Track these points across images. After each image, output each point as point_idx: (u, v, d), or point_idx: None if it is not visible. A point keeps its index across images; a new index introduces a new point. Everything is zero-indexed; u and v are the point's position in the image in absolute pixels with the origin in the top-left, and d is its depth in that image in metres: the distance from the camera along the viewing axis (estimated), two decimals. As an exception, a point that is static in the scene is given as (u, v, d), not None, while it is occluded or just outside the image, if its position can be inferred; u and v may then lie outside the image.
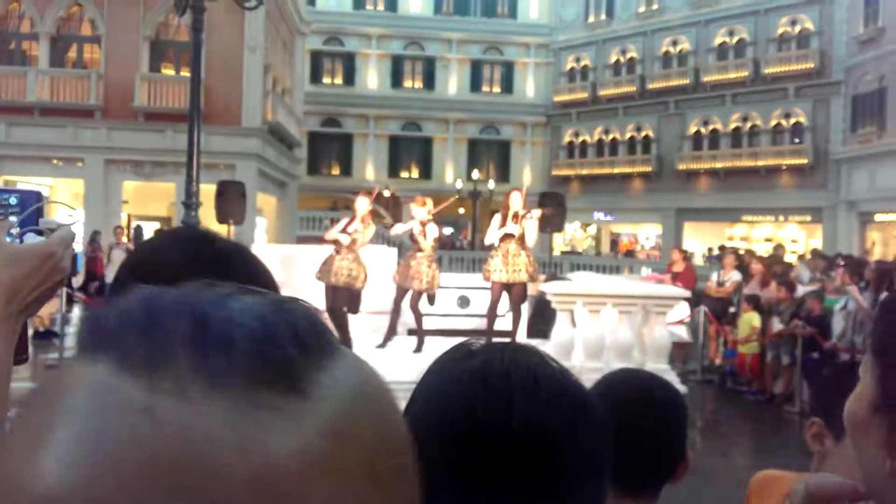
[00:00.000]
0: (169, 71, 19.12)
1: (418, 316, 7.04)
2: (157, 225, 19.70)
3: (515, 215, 6.79)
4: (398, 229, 7.15)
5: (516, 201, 6.83)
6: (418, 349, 6.94)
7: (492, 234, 6.88)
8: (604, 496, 0.64)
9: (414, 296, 6.94)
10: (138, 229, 13.80)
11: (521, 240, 6.78)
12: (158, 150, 17.85)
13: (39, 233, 0.88)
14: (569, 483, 0.58)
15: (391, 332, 7.14)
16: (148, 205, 20.37)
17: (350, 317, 6.88)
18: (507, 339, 0.69)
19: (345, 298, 6.77)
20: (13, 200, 0.91)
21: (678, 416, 1.15)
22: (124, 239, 12.26)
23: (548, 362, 0.63)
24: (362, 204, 6.98)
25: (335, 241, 6.88)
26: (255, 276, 0.83)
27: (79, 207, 19.04)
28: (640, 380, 1.20)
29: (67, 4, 18.16)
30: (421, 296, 7.02)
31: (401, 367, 6.25)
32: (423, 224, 6.89)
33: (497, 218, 6.94)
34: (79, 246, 13.70)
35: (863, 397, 0.53)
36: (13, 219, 0.89)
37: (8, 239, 0.84)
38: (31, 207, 0.90)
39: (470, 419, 0.57)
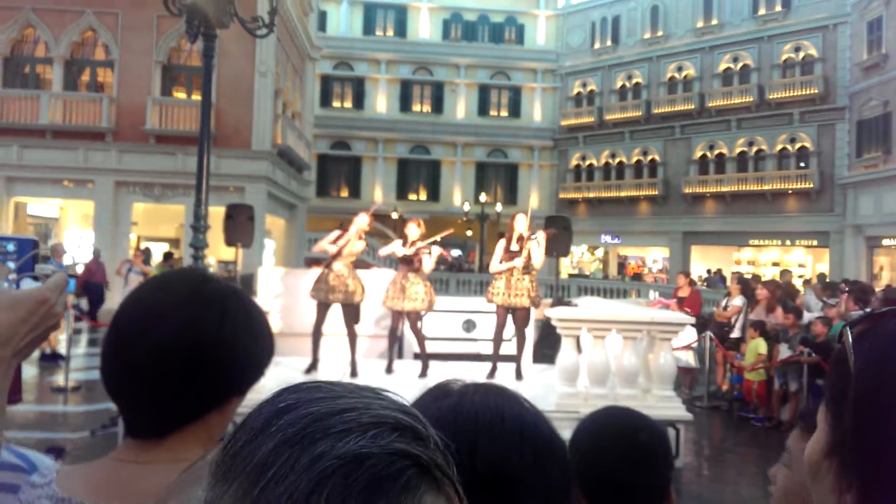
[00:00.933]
0: (180, 95, 19.40)
1: (421, 339, 7.02)
2: (165, 246, 19.86)
3: (521, 238, 6.77)
4: (386, 250, 7.06)
5: (521, 224, 6.84)
6: (423, 374, 6.91)
7: (495, 264, 6.86)
8: None
9: (413, 318, 6.90)
10: (147, 251, 13.92)
11: (526, 264, 6.75)
12: (168, 172, 18.04)
13: (35, 278, 0.92)
14: None
15: (392, 356, 7.09)
16: (157, 226, 20.54)
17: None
18: (487, 380, 0.71)
19: (347, 314, 6.76)
20: (10, 247, 0.95)
21: (662, 457, 1.15)
22: (143, 263, 12.39)
23: (517, 404, 0.65)
24: (361, 220, 6.93)
25: (326, 253, 6.82)
26: (250, 317, 0.85)
27: (88, 228, 19.24)
28: (625, 421, 1.19)
29: (82, 29, 18.52)
30: (419, 317, 7.00)
31: (407, 392, 6.27)
32: (418, 248, 6.80)
33: (502, 243, 6.91)
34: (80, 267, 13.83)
35: (817, 443, 0.56)
36: (10, 265, 0.93)
37: (5, 285, 0.88)
38: (28, 254, 0.94)
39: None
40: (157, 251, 17.43)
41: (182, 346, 0.78)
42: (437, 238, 7.10)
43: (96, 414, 6.87)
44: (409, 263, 6.80)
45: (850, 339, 0.55)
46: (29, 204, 19.71)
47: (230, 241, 8.97)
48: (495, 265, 6.85)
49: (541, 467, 0.60)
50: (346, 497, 0.27)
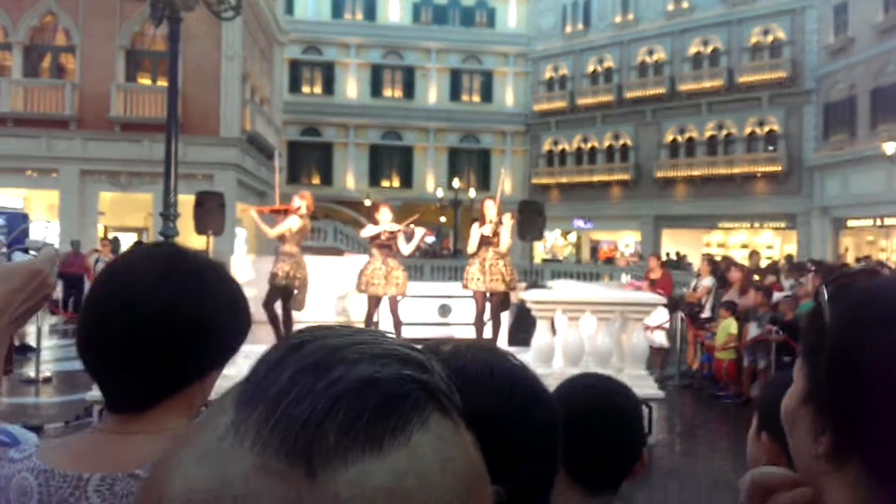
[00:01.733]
0: (145, 81, 18.96)
1: (399, 324, 7.00)
2: (134, 236, 19.49)
3: (492, 223, 6.81)
4: (366, 232, 6.95)
5: (490, 210, 6.86)
6: None
7: (472, 243, 6.88)
8: (552, 480, 0.70)
9: (393, 303, 6.86)
10: (115, 241, 13.63)
11: (499, 247, 6.78)
12: (135, 160, 17.68)
13: (25, 251, 0.93)
14: (520, 464, 0.62)
15: None
16: (125, 216, 20.14)
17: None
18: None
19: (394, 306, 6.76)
20: (1, 221, 0.96)
21: (635, 420, 1.19)
22: (111, 253, 12.14)
23: (506, 360, 0.68)
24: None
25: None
26: (229, 292, 0.86)
27: (54, 219, 18.78)
28: (600, 385, 1.23)
29: (41, 14, 17.95)
30: (397, 302, 6.96)
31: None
32: (403, 230, 6.80)
33: (475, 227, 6.93)
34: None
35: (794, 393, 0.61)
36: (2, 238, 0.93)
37: None
38: (19, 228, 0.95)
39: None
40: (126, 241, 17.08)
41: (163, 320, 0.79)
42: (410, 223, 7.04)
43: (70, 405, 6.74)
44: (387, 248, 6.73)
45: (826, 297, 0.59)
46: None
47: (200, 230, 8.82)
48: (472, 247, 6.88)
49: (528, 412, 0.64)
50: (360, 413, 0.30)
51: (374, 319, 7.02)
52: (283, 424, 0.29)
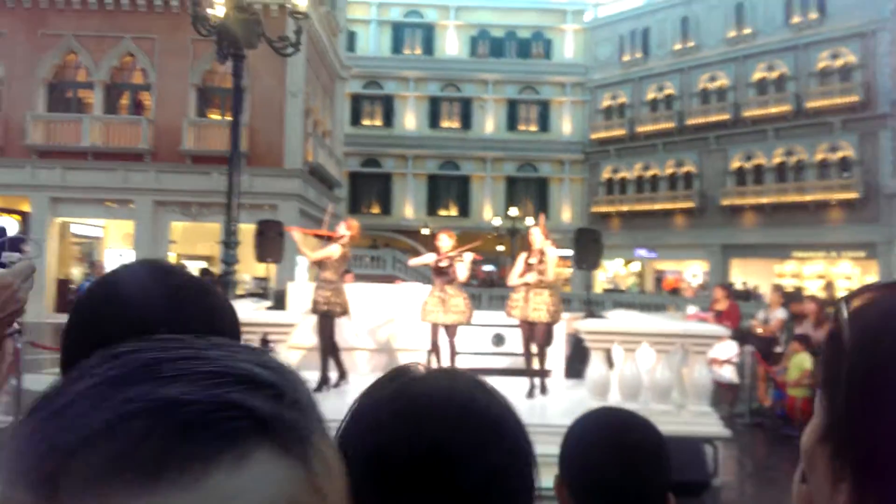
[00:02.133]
0: (215, 116, 19.85)
1: (454, 353, 6.89)
2: (203, 263, 20.22)
3: (539, 252, 6.61)
4: (417, 261, 6.91)
5: (536, 238, 6.66)
6: None
7: (513, 277, 6.73)
8: None
9: (452, 331, 6.70)
10: (181, 267, 14.15)
11: (542, 278, 6.58)
12: (205, 191, 18.42)
13: (2, 265, 0.91)
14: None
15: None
16: (195, 244, 20.95)
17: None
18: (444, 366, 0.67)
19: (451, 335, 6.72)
20: None
21: (654, 459, 1.08)
22: None
23: (476, 387, 0.62)
24: (445, 241, 6.78)
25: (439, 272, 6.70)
26: (214, 309, 0.83)
27: (128, 247, 19.73)
28: (615, 420, 1.11)
29: (121, 54, 19.14)
30: (456, 331, 6.82)
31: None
32: (450, 257, 6.64)
33: (523, 256, 6.78)
34: None
35: (813, 430, 0.52)
36: None
37: None
38: None
39: (376, 438, 0.57)
40: (195, 268, 17.73)
41: (142, 331, 0.74)
42: (464, 251, 6.96)
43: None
44: (444, 275, 6.65)
45: (846, 315, 0.50)
46: (73, 224, 20.30)
47: (261, 257, 9.07)
48: (514, 278, 6.73)
49: (482, 447, 0.57)
50: (143, 440, 0.24)
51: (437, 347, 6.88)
52: (37, 447, 0.24)
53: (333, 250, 6.73)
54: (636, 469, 1.03)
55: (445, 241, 6.72)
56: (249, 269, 16.49)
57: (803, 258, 27.27)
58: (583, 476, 1.04)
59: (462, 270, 6.73)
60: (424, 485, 0.55)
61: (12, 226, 18.17)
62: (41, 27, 18.73)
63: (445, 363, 7.43)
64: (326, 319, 6.61)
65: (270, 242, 9.00)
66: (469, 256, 6.77)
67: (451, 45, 34.12)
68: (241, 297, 9.15)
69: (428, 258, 6.83)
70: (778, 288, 12.07)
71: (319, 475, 0.27)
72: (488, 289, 25.60)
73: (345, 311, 6.71)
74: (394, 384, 0.61)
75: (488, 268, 32.60)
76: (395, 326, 7.90)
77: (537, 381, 6.78)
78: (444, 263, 6.64)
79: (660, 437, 1.10)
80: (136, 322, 0.74)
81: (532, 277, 6.54)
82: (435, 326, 6.68)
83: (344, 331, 7.02)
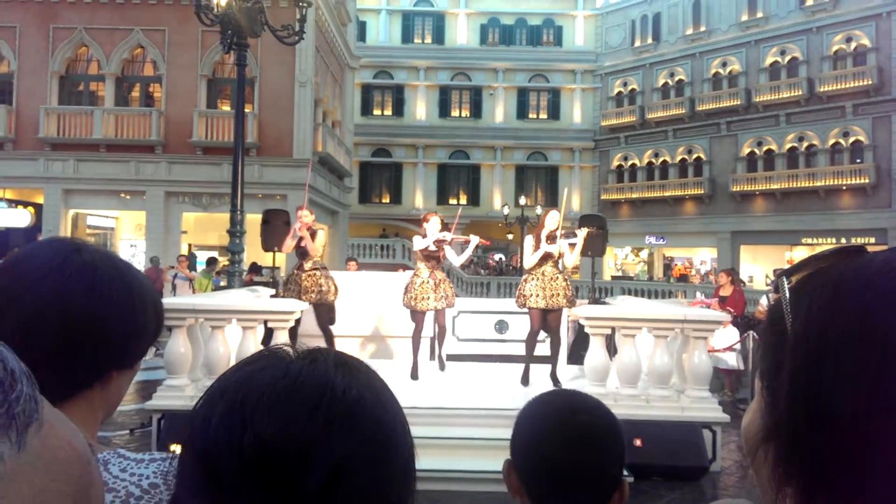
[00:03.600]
0: (225, 107, 19.98)
1: (444, 333, 6.90)
2: (213, 253, 20.45)
3: (550, 236, 6.38)
4: (419, 245, 6.57)
5: (553, 221, 6.41)
6: (442, 368, 6.80)
7: (529, 258, 6.42)
8: None
9: (442, 315, 6.64)
10: (192, 256, 14.32)
11: (557, 263, 6.43)
12: (215, 181, 18.58)
13: None
14: None
15: (418, 360, 6.75)
16: (206, 234, 21.17)
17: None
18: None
19: (320, 314, 6.72)
20: None
21: (605, 442, 1.02)
22: (187, 269, 12.74)
23: (340, 369, 0.53)
24: (303, 215, 6.73)
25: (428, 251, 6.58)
26: (128, 288, 0.80)
27: (141, 238, 19.98)
28: (565, 402, 1.06)
29: (132, 47, 19.30)
30: (445, 314, 6.75)
31: (448, 393, 6.28)
32: (440, 241, 6.47)
33: (529, 239, 6.51)
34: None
35: (753, 419, 0.47)
36: None
37: None
38: None
39: (203, 436, 0.50)
40: (202, 256, 17.93)
41: (49, 317, 0.74)
42: (455, 227, 6.76)
43: (136, 413, 7.10)
44: (434, 259, 6.52)
45: (787, 293, 0.43)
46: (88, 216, 20.58)
47: (267, 247, 9.17)
48: (529, 259, 6.43)
49: (328, 438, 0.49)
50: None
51: (423, 335, 6.80)
52: None
53: (323, 237, 6.86)
54: (585, 454, 0.99)
55: (434, 224, 6.53)
56: (259, 257, 16.67)
57: (813, 245, 27.03)
58: (531, 460, 1.01)
59: (459, 257, 6.67)
60: (256, 488, 0.47)
61: (26, 218, 18.49)
62: (53, 21, 18.92)
63: (449, 350, 7.52)
64: (325, 308, 6.74)
65: (276, 231, 9.10)
66: (475, 240, 6.59)
67: (462, 33, 34.00)
68: (246, 285, 9.27)
69: (427, 241, 6.52)
70: (780, 271, 12.00)
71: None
72: (497, 276, 25.65)
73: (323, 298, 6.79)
74: (240, 372, 0.53)
75: (498, 256, 32.66)
76: (396, 314, 7.98)
77: (545, 367, 6.72)
78: (447, 238, 6.46)
79: (612, 422, 1.05)
80: (52, 307, 0.75)
81: (553, 248, 6.28)
82: (420, 313, 6.50)
83: (345, 318, 7.11)
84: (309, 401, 0.50)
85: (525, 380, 6.59)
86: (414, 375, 6.59)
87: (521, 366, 6.74)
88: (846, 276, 0.40)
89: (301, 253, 6.73)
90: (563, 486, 0.98)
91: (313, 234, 6.77)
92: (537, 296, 6.33)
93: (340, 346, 7.27)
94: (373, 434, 0.51)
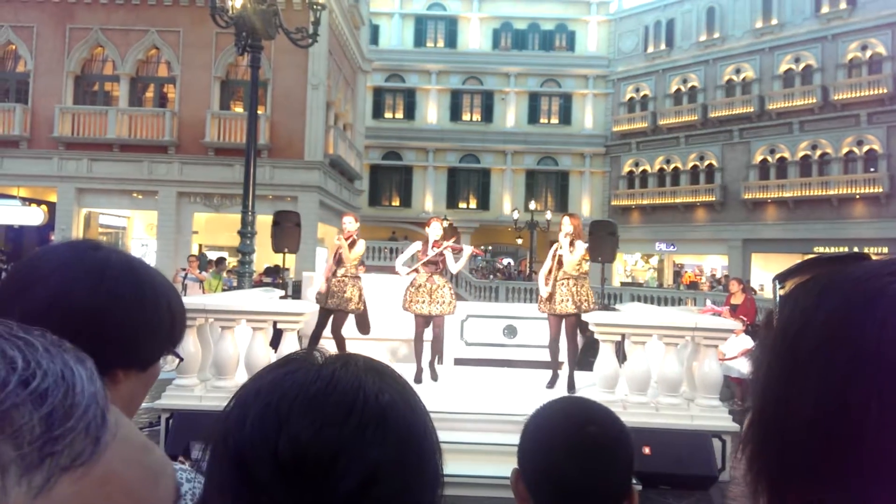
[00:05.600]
0: (238, 109, 20.10)
1: (441, 343, 6.88)
2: (224, 254, 20.54)
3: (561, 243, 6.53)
4: (405, 255, 6.75)
5: (566, 227, 6.56)
6: (434, 377, 6.74)
7: (546, 264, 6.61)
8: None
9: (439, 322, 6.62)
10: (202, 257, 14.37)
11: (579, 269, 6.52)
12: (227, 182, 18.70)
13: None
14: None
15: (422, 363, 6.77)
16: (217, 235, 21.30)
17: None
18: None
19: (336, 321, 6.70)
20: None
21: (614, 454, 1.01)
22: (198, 270, 12.75)
23: (370, 374, 0.53)
24: (346, 222, 6.77)
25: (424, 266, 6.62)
26: (139, 288, 0.80)
27: (152, 237, 20.10)
28: (574, 411, 1.04)
29: (146, 48, 19.46)
30: (443, 321, 6.72)
31: (452, 397, 6.27)
32: (439, 245, 6.54)
33: (554, 248, 6.69)
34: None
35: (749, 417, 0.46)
36: None
37: None
38: None
39: (238, 438, 0.50)
40: (212, 257, 18.00)
41: (54, 310, 0.74)
42: (453, 242, 6.82)
43: (145, 412, 7.13)
44: (433, 265, 6.57)
45: (777, 296, 0.44)
46: (101, 215, 20.74)
47: (277, 248, 9.21)
48: (544, 268, 6.67)
49: (361, 442, 0.49)
50: None
51: (424, 339, 6.77)
52: None
53: (363, 247, 6.84)
54: (593, 465, 0.98)
55: (436, 230, 6.62)
56: (270, 258, 16.73)
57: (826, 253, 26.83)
58: (538, 471, 0.99)
59: (455, 264, 6.65)
60: (290, 490, 0.47)
61: (39, 216, 18.65)
62: (69, 22, 19.12)
63: (455, 355, 7.50)
64: (342, 315, 6.71)
65: (287, 233, 9.14)
66: (469, 250, 6.70)
67: (474, 37, 34.04)
68: (257, 286, 9.30)
69: (415, 249, 6.68)
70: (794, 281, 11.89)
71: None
72: (506, 281, 25.62)
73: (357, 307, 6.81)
74: (272, 374, 0.54)
75: (506, 261, 32.62)
76: (405, 316, 7.97)
77: (559, 373, 6.76)
78: (432, 252, 6.53)
79: (621, 432, 1.03)
80: (57, 300, 0.75)
81: (567, 255, 6.46)
82: (419, 317, 6.56)
83: (357, 326, 7.08)
84: (342, 404, 0.50)
85: (551, 385, 6.64)
86: (417, 379, 6.60)
87: (530, 371, 6.77)
88: (832, 280, 0.40)
89: (338, 260, 6.76)
90: (570, 497, 0.97)
91: (353, 243, 6.79)
92: (546, 301, 6.54)
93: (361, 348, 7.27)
94: (404, 438, 0.51)
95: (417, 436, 0.52)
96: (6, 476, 0.23)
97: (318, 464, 0.47)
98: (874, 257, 0.41)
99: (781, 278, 0.45)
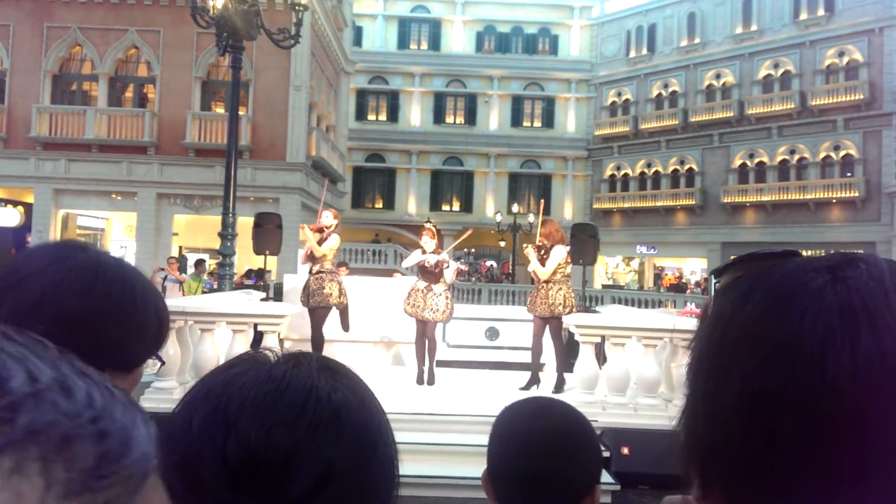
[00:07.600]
0: (219, 109, 19.95)
1: (434, 348, 6.93)
2: (205, 256, 20.37)
3: (540, 247, 6.63)
4: (409, 261, 6.85)
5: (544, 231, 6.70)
6: (431, 382, 6.80)
7: (540, 269, 6.57)
8: None
9: (431, 327, 6.74)
10: (182, 259, 14.23)
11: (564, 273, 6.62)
12: (207, 184, 18.53)
13: None
14: None
15: (423, 364, 6.88)
16: (197, 237, 21.10)
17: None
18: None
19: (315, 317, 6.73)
20: None
21: (576, 450, 1.00)
22: (177, 271, 12.62)
23: (323, 373, 0.52)
24: (428, 243, 6.80)
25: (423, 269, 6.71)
26: (129, 290, 0.80)
27: (132, 239, 19.86)
28: (538, 409, 1.05)
29: (126, 47, 19.24)
30: (435, 326, 6.85)
31: (441, 399, 6.27)
32: (437, 264, 6.69)
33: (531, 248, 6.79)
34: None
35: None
36: None
37: None
38: None
39: (185, 441, 0.48)
40: (192, 259, 17.84)
41: (44, 308, 0.75)
42: (456, 246, 6.98)
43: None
44: (431, 274, 6.73)
45: (713, 289, 0.44)
46: (79, 216, 20.45)
47: (258, 250, 9.16)
48: (542, 271, 6.58)
49: (313, 443, 0.48)
50: None
51: (425, 340, 6.88)
52: None
53: (336, 241, 6.81)
54: (547, 460, 0.97)
55: (429, 242, 6.74)
56: (251, 261, 16.61)
57: (804, 257, 27.23)
58: (498, 468, 1.00)
59: (448, 275, 6.80)
60: (240, 495, 0.46)
61: (15, 217, 18.35)
62: (47, 20, 18.85)
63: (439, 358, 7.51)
64: (325, 311, 6.69)
65: (268, 235, 9.09)
66: (454, 265, 6.84)
67: (457, 40, 34.12)
68: (237, 288, 9.23)
69: (417, 257, 6.79)
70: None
71: None
72: (489, 283, 25.68)
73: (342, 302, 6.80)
74: (222, 375, 0.52)
75: (489, 263, 32.71)
76: (390, 319, 7.98)
77: (540, 375, 6.82)
78: (430, 263, 6.67)
79: (580, 427, 1.03)
80: (46, 299, 0.75)
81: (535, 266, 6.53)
82: (419, 321, 6.72)
83: (340, 323, 7.07)
84: (294, 405, 0.49)
85: (528, 388, 6.70)
86: (419, 381, 6.75)
87: (511, 372, 6.82)
88: (761, 275, 0.40)
89: (312, 256, 6.75)
90: (527, 492, 0.97)
91: (326, 238, 6.77)
92: (530, 303, 6.63)
93: (333, 351, 7.25)
94: (358, 437, 0.50)
95: (371, 435, 0.52)
96: (49, 491, 0.24)
97: (270, 465, 0.46)
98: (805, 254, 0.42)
99: (718, 273, 0.47)
